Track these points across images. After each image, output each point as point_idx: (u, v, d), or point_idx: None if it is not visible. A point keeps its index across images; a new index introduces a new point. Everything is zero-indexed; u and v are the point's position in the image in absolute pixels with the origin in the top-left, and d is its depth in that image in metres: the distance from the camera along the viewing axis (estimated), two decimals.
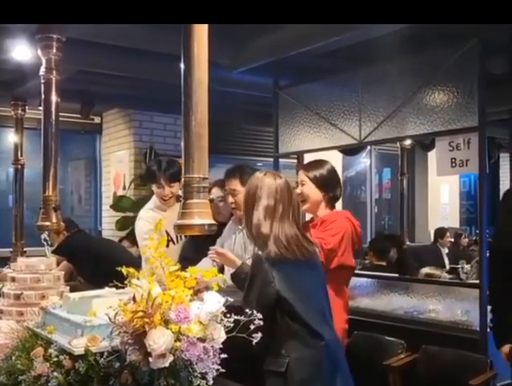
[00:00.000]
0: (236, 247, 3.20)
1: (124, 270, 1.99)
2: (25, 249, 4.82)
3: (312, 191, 3.00)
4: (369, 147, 7.23)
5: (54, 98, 3.23)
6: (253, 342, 1.74)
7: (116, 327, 1.84)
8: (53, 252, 4.36)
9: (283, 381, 2.27)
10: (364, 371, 2.96)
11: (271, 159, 5.00)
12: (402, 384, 2.97)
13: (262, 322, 1.76)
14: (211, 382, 1.76)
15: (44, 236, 3.21)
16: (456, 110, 3.46)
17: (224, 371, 1.78)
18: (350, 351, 2.96)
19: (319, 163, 3.12)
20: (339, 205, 6.00)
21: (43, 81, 3.29)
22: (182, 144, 2.03)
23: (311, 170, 3.05)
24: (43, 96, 3.26)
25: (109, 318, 1.85)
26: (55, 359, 2.07)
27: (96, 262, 4.19)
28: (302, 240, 2.37)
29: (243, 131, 7.11)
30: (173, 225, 3.39)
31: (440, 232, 7.81)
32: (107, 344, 2.04)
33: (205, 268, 2.59)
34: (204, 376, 1.78)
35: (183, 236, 3.63)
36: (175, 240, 3.67)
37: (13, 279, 3.07)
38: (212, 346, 1.79)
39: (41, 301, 2.90)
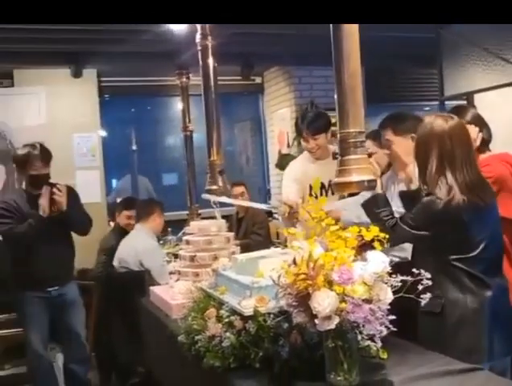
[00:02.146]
0: (395, 198, 3.02)
1: (285, 231, 1.99)
2: (200, 211, 5.05)
3: None
4: None
5: (211, 63, 3.29)
6: (423, 304, 1.65)
7: (280, 289, 1.83)
8: None
9: (437, 323, 2.19)
10: None
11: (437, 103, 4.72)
12: None
13: (430, 282, 1.66)
14: (380, 344, 1.70)
15: (213, 199, 3.31)
16: None
17: (395, 329, 1.70)
18: None
19: (461, 109, 2.84)
20: None
21: (199, 48, 3.35)
22: (335, 98, 1.95)
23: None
24: (200, 63, 3.33)
25: (273, 281, 1.85)
26: (227, 320, 2.15)
27: None
28: (483, 183, 2.23)
29: (405, 76, 6.77)
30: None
31: None
32: (275, 305, 2.08)
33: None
34: (372, 338, 1.72)
35: (323, 194, 3.51)
36: (318, 196, 3.42)
37: (187, 242, 3.23)
38: (378, 307, 1.72)
39: (213, 262, 3.06)
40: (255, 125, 7.25)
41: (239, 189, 5.51)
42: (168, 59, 5.16)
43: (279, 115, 6.49)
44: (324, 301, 1.70)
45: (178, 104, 6.03)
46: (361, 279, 1.72)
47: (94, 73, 5.82)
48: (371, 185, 1.91)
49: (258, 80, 6.86)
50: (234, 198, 5.36)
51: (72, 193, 3.87)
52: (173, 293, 2.99)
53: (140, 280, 3.80)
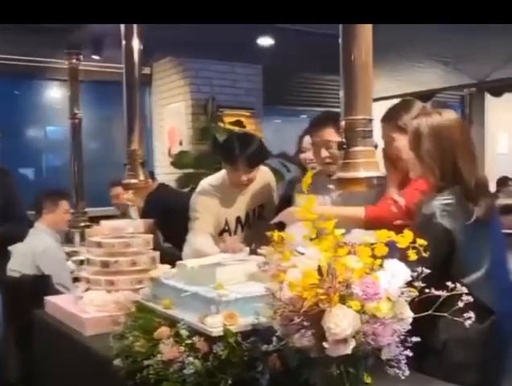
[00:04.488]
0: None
1: (275, 235, 1.64)
2: (86, 210, 4.51)
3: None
4: None
5: (137, 44, 2.84)
6: (467, 325, 1.38)
7: (280, 306, 1.49)
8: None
9: (437, 360, 1.91)
10: None
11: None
12: None
13: (471, 298, 1.40)
14: (407, 372, 1.41)
15: (129, 195, 2.88)
16: None
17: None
18: None
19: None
20: None
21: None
22: (341, 78, 1.65)
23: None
24: (123, 42, 2.87)
25: (273, 294, 1.50)
26: (188, 342, 1.76)
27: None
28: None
29: (305, 80, 6.66)
30: (237, 214, 2.91)
31: (502, 181, 7.51)
32: (248, 322, 1.73)
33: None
34: (392, 364, 1.44)
35: (238, 228, 3.02)
36: (232, 231, 3.02)
37: (99, 244, 2.75)
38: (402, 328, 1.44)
39: (131, 268, 2.63)
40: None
41: (117, 189, 4.99)
42: (57, 35, 4.52)
43: (172, 109, 6.06)
44: (342, 322, 1.39)
45: (55, 90, 5.41)
46: (386, 294, 1.43)
47: None
48: (380, 183, 1.63)
49: (147, 70, 6.36)
50: (113, 199, 4.85)
51: None
52: (83, 305, 2.51)
53: (36, 286, 3.21)
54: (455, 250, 1.86)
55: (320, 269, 1.38)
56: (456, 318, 1.40)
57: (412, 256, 1.40)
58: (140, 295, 2.19)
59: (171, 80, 6.09)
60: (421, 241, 1.39)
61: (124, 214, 4.98)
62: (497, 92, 6.41)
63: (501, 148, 8.92)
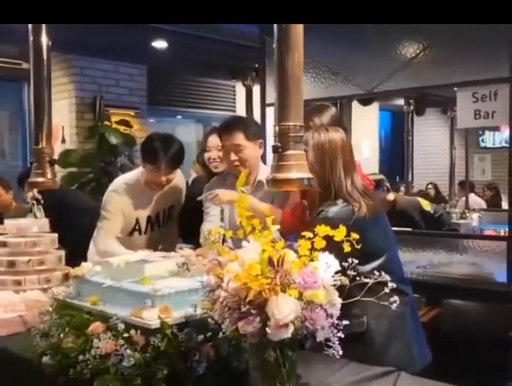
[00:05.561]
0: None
1: (214, 231, 1.76)
2: None
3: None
4: None
5: (45, 39, 2.79)
6: (394, 307, 1.58)
7: (226, 297, 1.60)
8: None
9: (363, 343, 2.07)
10: None
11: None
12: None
13: (395, 285, 1.61)
14: (341, 351, 1.58)
15: (33, 193, 2.83)
16: None
17: None
18: None
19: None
20: None
21: None
22: (276, 88, 1.80)
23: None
24: (31, 38, 2.80)
25: (218, 286, 1.61)
26: (126, 335, 1.81)
27: (83, 216, 3.60)
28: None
29: (186, 81, 6.73)
30: (148, 214, 2.99)
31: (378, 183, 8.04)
32: (180, 315, 1.83)
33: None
34: (329, 345, 1.60)
35: (149, 228, 3.09)
36: (143, 230, 3.09)
37: (4, 244, 2.69)
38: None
39: (38, 268, 2.59)
40: (16, 115, 6.44)
41: None
42: None
43: (55, 106, 5.87)
44: (285, 308, 1.54)
45: None
46: (322, 283, 1.60)
47: None
48: (309, 183, 1.80)
49: (26, 65, 6.10)
50: None
51: None
52: None
53: None
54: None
55: (271, 260, 1.51)
56: (382, 303, 1.60)
57: (347, 248, 1.58)
58: (61, 293, 2.19)
59: (55, 77, 5.90)
60: (354, 235, 1.58)
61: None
62: (367, 101, 6.87)
63: (365, 153, 9.58)
